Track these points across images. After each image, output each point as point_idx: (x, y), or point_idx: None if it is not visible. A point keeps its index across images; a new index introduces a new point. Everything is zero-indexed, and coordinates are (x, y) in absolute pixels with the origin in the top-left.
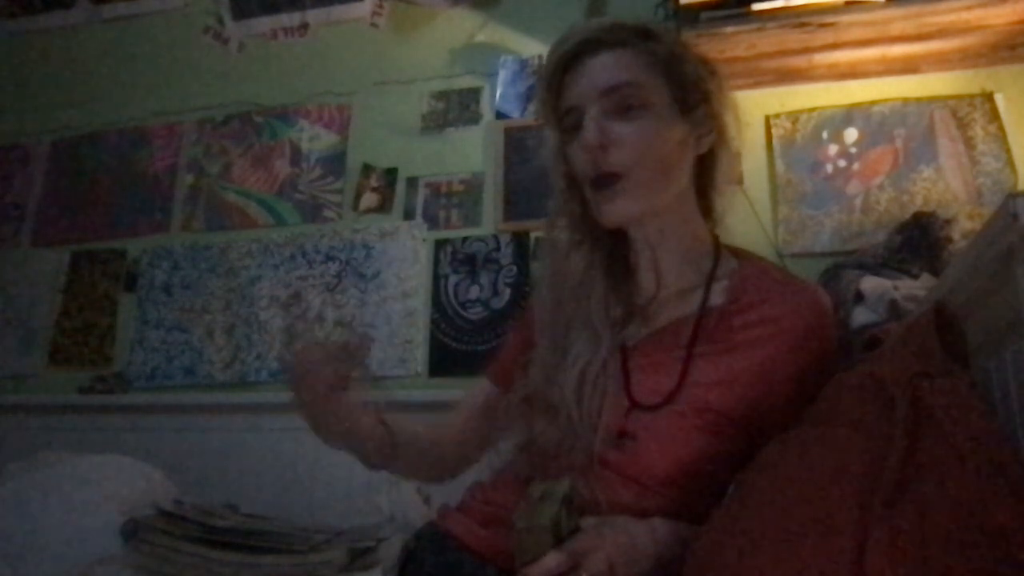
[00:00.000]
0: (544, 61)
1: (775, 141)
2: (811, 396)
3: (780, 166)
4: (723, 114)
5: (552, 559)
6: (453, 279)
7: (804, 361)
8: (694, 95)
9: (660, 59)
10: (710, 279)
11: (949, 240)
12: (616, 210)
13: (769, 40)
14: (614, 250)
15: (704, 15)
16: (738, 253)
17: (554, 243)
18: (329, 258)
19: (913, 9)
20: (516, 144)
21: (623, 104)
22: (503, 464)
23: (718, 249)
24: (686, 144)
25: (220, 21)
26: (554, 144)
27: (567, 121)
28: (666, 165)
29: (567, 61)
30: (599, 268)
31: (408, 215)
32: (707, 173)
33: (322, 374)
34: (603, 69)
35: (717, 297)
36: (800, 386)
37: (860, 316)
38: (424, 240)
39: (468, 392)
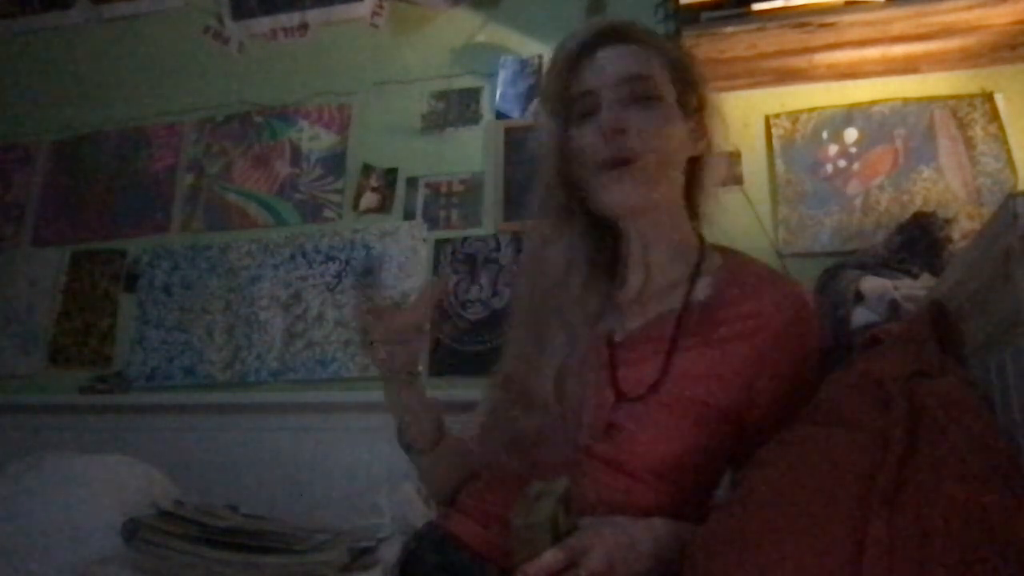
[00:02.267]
0: (548, 59)
1: (775, 141)
2: (795, 390)
3: (780, 166)
4: (714, 121)
5: (550, 556)
6: (453, 279)
7: (786, 356)
8: (694, 100)
9: (670, 60)
10: (695, 274)
11: (949, 240)
12: (625, 191)
13: (769, 40)
14: (599, 244)
15: (704, 15)
16: (723, 250)
17: (537, 235)
18: (329, 258)
19: (913, 9)
20: (516, 144)
21: (639, 94)
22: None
23: (703, 246)
24: (685, 143)
25: (220, 21)
26: (554, 134)
27: (580, 106)
28: (671, 159)
29: (584, 49)
30: (580, 264)
31: (408, 215)
32: (696, 175)
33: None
34: (620, 59)
35: (701, 292)
36: (783, 381)
37: (860, 316)
38: (424, 240)
39: None
